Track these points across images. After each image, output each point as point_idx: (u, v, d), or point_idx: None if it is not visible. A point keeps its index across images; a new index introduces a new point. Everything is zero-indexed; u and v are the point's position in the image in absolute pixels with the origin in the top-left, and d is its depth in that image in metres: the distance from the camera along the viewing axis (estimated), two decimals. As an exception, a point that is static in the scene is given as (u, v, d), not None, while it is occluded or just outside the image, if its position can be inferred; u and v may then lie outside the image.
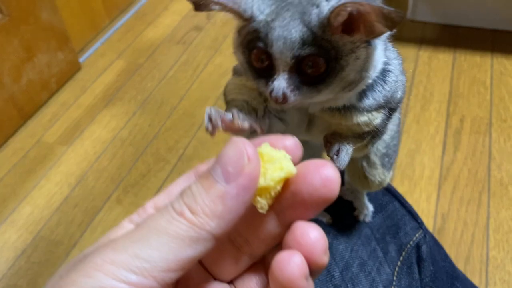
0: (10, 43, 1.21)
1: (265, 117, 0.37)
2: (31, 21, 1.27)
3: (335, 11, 0.28)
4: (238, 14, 0.31)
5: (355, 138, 0.38)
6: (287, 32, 0.29)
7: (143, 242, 0.22)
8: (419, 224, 0.60)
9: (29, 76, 1.29)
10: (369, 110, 0.36)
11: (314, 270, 0.24)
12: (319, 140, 0.38)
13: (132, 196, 1.10)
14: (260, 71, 0.32)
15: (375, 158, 0.44)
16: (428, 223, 0.99)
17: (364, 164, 0.46)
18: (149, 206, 0.29)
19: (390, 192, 0.63)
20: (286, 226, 0.25)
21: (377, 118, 0.37)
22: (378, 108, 0.37)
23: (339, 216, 0.59)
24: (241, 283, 0.27)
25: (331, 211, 0.58)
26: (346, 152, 0.37)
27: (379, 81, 0.36)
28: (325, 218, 0.58)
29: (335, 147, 0.35)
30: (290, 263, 0.23)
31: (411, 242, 0.58)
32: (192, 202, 0.23)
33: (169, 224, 0.23)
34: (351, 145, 0.38)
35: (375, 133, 0.39)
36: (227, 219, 0.23)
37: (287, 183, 0.24)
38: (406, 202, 0.63)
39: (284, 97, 0.30)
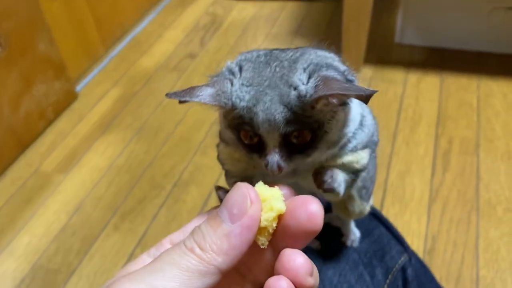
0: (8, 76, 1.24)
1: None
2: (28, 54, 1.30)
3: (317, 100, 0.31)
4: (219, 107, 0.33)
5: (346, 173, 0.40)
6: (270, 115, 0.31)
7: (158, 274, 0.26)
8: (405, 248, 0.63)
9: (27, 107, 1.32)
10: (353, 151, 0.39)
11: None
12: (307, 180, 0.40)
13: (129, 223, 1.12)
14: (252, 147, 0.34)
15: (353, 192, 0.47)
16: (419, 244, 1.01)
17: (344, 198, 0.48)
18: (166, 242, 0.32)
19: (376, 217, 0.65)
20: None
21: (363, 158, 0.40)
22: (362, 148, 0.40)
23: (327, 242, 0.61)
24: None
25: (320, 238, 0.61)
26: (341, 176, 0.39)
27: (359, 129, 0.39)
28: (314, 245, 0.60)
29: (329, 173, 0.37)
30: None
31: (397, 266, 0.61)
32: (201, 239, 0.26)
33: (181, 258, 0.26)
34: (343, 174, 0.39)
35: (362, 171, 0.42)
36: (232, 255, 0.26)
37: (279, 218, 0.28)
38: (392, 226, 0.65)
39: (279, 168, 0.32)
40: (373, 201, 1.01)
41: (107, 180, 1.23)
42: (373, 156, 0.47)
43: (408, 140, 1.24)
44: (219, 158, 0.42)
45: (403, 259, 0.62)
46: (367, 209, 0.51)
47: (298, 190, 0.35)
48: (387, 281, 0.60)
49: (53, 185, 1.23)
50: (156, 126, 1.38)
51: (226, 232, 0.26)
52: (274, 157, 0.32)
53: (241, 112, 0.32)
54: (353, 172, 0.40)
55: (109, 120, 1.42)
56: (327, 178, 0.37)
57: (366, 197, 0.49)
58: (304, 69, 0.32)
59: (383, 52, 1.55)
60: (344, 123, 0.35)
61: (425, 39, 1.55)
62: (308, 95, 0.31)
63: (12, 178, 1.26)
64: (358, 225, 0.61)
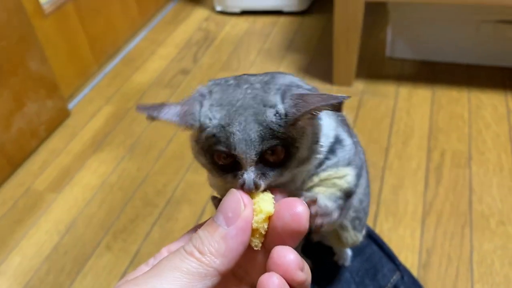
0: (0, 95, 1.24)
1: None
2: (20, 72, 1.30)
3: (300, 117, 0.32)
4: (186, 128, 0.34)
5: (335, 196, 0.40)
6: (247, 135, 0.31)
7: (160, 277, 0.27)
8: (397, 265, 0.63)
9: (18, 125, 1.31)
10: (336, 166, 0.39)
11: (293, 285, 0.28)
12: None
13: (121, 242, 1.11)
14: (225, 168, 0.34)
15: (346, 222, 0.47)
16: (414, 259, 1.01)
17: (337, 227, 0.49)
18: (164, 251, 0.34)
19: (368, 235, 0.65)
20: None
21: (348, 174, 0.40)
22: (345, 165, 0.40)
23: (319, 261, 0.61)
24: None
25: (312, 257, 0.60)
26: (328, 203, 0.39)
27: (338, 145, 0.39)
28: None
29: (312, 209, 0.37)
30: (269, 283, 0.27)
31: (389, 284, 0.60)
32: (199, 244, 0.28)
33: (182, 262, 0.28)
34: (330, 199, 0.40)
35: (350, 192, 0.42)
36: (229, 257, 0.28)
37: (269, 220, 0.30)
38: (384, 244, 0.65)
39: (256, 186, 0.32)
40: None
41: (99, 198, 1.23)
42: (363, 187, 0.48)
43: (400, 154, 1.24)
44: (209, 183, 0.42)
45: (395, 277, 0.61)
46: (360, 239, 0.51)
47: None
48: (380, 299, 0.60)
49: (45, 204, 1.22)
50: (148, 143, 1.38)
51: (222, 235, 0.28)
52: (251, 176, 0.32)
53: (214, 131, 0.32)
54: (344, 193, 0.40)
55: (102, 138, 1.41)
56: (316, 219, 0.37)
57: (359, 227, 0.49)
58: (277, 89, 0.33)
59: (374, 66, 1.56)
60: (313, 138, 0.35)
61: (416, 53, 1.56)
62: (290, 114, 0.31)
63: (3, 198, 1.25)
64: (349, 243, 0.61)
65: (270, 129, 0.32)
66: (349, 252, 0.61)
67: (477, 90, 1.42)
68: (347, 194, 0.41)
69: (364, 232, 0.52)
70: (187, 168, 1.28)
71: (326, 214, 0.37)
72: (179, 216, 1.15)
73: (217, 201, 0.40)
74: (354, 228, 0.49)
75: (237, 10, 1.94)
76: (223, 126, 0.32)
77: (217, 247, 0.28)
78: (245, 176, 0.32)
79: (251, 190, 0.32)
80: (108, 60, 1.75)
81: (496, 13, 1.40)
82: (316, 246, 0.62)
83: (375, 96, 1.44)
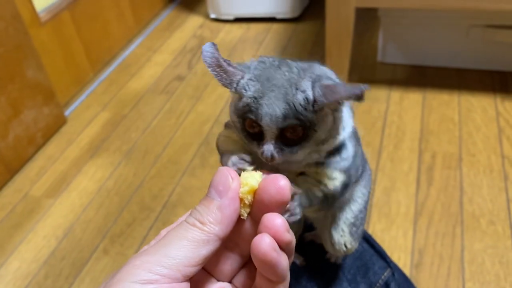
0: (-3, 102, 1.26)
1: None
2: (17, 79, 1.32)
3: (323, 105, 0.36)
4: (225, 85, 0.38)
5: (312, 194, 0.44)
6: (272, 110, 0.36)
7: (169, 246, 0.31)
8: (387, 263, 0.64)
9: (16, 132, 1.33)
10: (334, 167, 0.43)
11: (282, 245, 0.32)
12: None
13: (119, 246, 1.13)
14: (253, 135, 0.39)
15: (344, 226, 0.50)
16: (406, 259, 1.03)
17: (333, 231, 0.51)
18: (164, 232, 0.38)
19: (359, 233, 0.67)
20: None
21: (337, 179, 0.43)
22: (341, 170, 0.44)
23: (311, 259, 0.63)
24: (237, 280, 0.36)
25: (304, 254, 0.62)
26: (299, 202, 0.42)
27: (343, 148, 0.43)
28: (299, 260, 0.62)
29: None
30: (262, 241, 0.31)
31: (380, 281, 0.62)
32: (199, 216, 0.32)
33: (187, 232, 0.31)
34: (305, 199, 0.43)
35: (332, 197, 0.45)
36: (226, 223, 0.32)
37: (255, 194, 0.33)
38: (375, 242, 0.67)
39: (272, 157, 0.38)
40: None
41: (96, 203, 1.24)
42: (365, 199, 0.51)
43: (392, 157, 1.26)
44: (217, 142, 0.46)
45: (386, 274, 0.63)
46: (354, 248, 0.53)
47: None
48: (371, 296, 0.62)
49: (43, 209, 1.24)
50: (144, 149, 1.40)
51: (218, 206, 0.32)
52: (270, 147, 0.37)
53: (248, 101, 0.37)
54: (324, 195, 0.44)
55: (98, 144, 1.43)
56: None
57: (356, 235, 0.51)
58: (309, 77, 0.38)
59: (366, 71, 1.59)
60: (332, 126, 0.40)
61: (407, 57, 1.59)
62: (319, 100, 0.36)
63: (1, 204, 1.26)
64: (341, 242, 0.62)
65: (296, 110, 0.36)
66: (341, 250, 0.63)
67: (467, 93, 1.45)
68: (327, 197, 0.44)
69: (357, 245, 0.54)
70: (183, 173, 1.30)
71: (293, 213, 0.41)
72: (175, 220, 1.16)
73: (226, 158, 0.44)
74: (351, 234, 0.51)
75: (231, 17, 1.97)
76: (255, 98, 0.37)
77: (214, 216, 0.32)
78: (265, 147, 0.38)
79: (268, 160, 0.38)
80: (104, 67, 1.77)
81: (485, 18, 1.43)
82: (308, 245, 0.64)
83: (367, 100, 1.45)
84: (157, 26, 2.02)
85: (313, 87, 0.36)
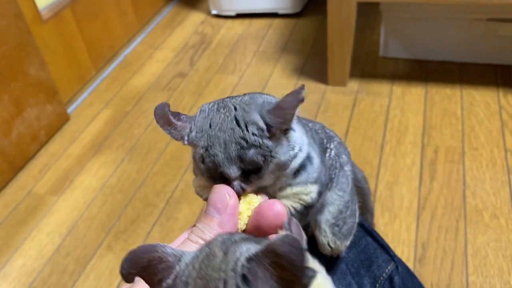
0: (0, 100, 1.26)
1: None
2: (19, 77, 1.32)
3: (278, 126, 0.38)
4: (178, 140, 0.40)
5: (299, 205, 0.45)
6: (227, 154, 0.37)
7: None
8: (391, 256, 0.64)
9: (19, 130, 1.33)
10: (303, 183, 0.44)
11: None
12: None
13: (123, 243, 1.13)
14: (218, 179, 0.39)
15: (325, 227, 0.51)
16: (409, 253, 1.03)
17: (317, 232, 0.53)
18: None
19: (362, 227, 0.67)
20: None
21: (312, 191, 0.45)
22: (312, 182, 0.45)
23: (315, 254, 0.63)
24: None
25: (308, 249, 0.62)
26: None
27: (308, 162, 0.44)
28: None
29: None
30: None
31: (384, 274, 0.62)
32: (201, 233, 0.34)
33: (192, 249, 0.32)
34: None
35: (310, 207, 0.46)
36: None
37: (250, 220, 0.36)
38: (378, 236, 0.67)
39: (244, 190, 0.39)
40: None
41: (100, 200, 1.24)
42: (344, 200, 0.53)
43: (395, 151, 1.26)
44: (196, 191, 0.47)
45: (390, 267, 0.63)
46: (341, 248, 0.54)
47: None
48: (375, 289, 0.62)
49: (46, 207, 1.24)
50: (147, 145, 1.40)
51: (218, 223, 0.34)
52: (237, 184, 0.38)
53: (201, 152, 0.38)
54: (304, 206, 0.45)
55: (101, 141, 1.43)
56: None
57: (339, 235, 0.52)
58: (255, 109, 0.39)
59: (368, 66, 1.58)
60: (288, 147, 0.41)
61: (409, 52, 1.58)
62: (272, 125, 0.37)
63: (5, 201, 1.26)
64: (344, 236, 0.62)
65: (250, 144, 0.37)
66: (344, 244, 0.63)
67: (469, 87, 1.44)
68: (308, 207, 0.46)
69: (347, 242, 0.55)
70: (186, 169, 1.30)
71: None
72: (179, 216, 1.17)
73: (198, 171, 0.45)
74: (333, 234, 0.52)
75: (232, 13, 1.97)
76: (206, 149, 0.38)
77: (216, 233, 0.33)
78: (234, 184, 0.38)
79: (240, 194, 0.38)
80: (106, 64, 1.77)
81: (487, 12, 1.43)
82: (311, 239, 0.64)
83: (370, 95, 1.46)
84: (158, 23, 2.02)
85: (262, 116, 0.38)
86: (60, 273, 1.08)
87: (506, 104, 1.36)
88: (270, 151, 0.38)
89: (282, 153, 0.40)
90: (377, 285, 0.62)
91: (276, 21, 1.92)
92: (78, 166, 1.36)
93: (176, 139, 0.39)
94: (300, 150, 0.42)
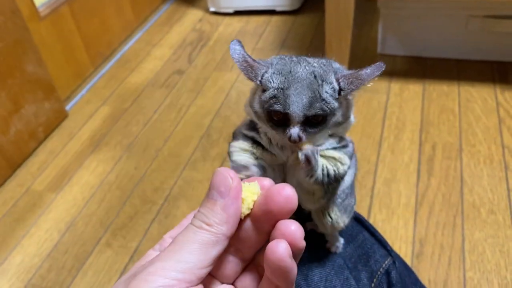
0: (-2, 97, 1.26)
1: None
2: (17, 74, 1.32)
3: (350, 92, 0.42)
4: (250, 78, 0.42)
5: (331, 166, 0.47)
6: (300, 99, 0.41)
7: (181, 251, 0.32)
8: (388, 251, 0.65)
9: (17, 127, 1.33)
10: (344, 153, 0.47)
11: (295, 252, 0.32)
12: (294, 178, 0.49)
13: (121, 239, 1.13)
14: (278, 122, 0.43)
15: (336, 204, 0.54)
16: (407, 249, 1.03)
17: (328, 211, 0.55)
18: (167, 237, 0.39)
19: (360, 222, 0.67)
20: (266, 233, 0.34)
21: (347, 164, 0.47)
22: (349, 156, 0.48)
23: (313, 249, 0.63)
24: (239, 282, 0.36)
25: (306, 244, 0.62)
26: (320, 160, 0.46)
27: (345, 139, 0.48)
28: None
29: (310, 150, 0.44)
30: (279, 246, 0.31)
31: (381, 269, 0.63)
32: (205, 218, 0.33)
33: (195, 235, 0.32)
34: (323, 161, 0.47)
35: (337, 181, 0.48)
36: (231, 222, 0.33)
37: (260, 204, 0.34)
38: (376, 231, 0.67)
39: (300, 138, 0.42)
40: (361, 208, 1.03)
41: (98, 197, 1.25)
42: (351, 180, 0.55)
43: (393, 148, 1.27)
44: (229, 151, 0.50)
45: (387, 262, 0.64)
46: (340, 222, 0.55)
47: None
48: (372, 284, 0.62)
49: (45, 204, 1.24)
50: (145, 142, 1.40)
51: (222, 206, 0.33)
52: (296, 130, 0.41)
53: (274, 92, 0.41)
54: (334, 176, 0.47)
55: (99, 138, 1.43)
56: (309, 152, 0.44)
57: (340, 207, 0.54)
58: (331, 71, 0.42)
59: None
60: (347, 110, 0.45)
61: (406, 49, 1.59)
62: (345, 89, 0.41)
63: (3, 199, 1.26)
64: (342, 231, 0.63)
65: (321, 98, 0.41)
66: (341, 240, 0.63)
67: (467, 84, 1.45)
68: (336, 178, 0.48)
69: (345, 218, 0.56)
70: (184, 166, 1.30)
71: (313, 157, 0.44)
72: (177, 212, 1.17)
73: (241, 136, 0.48)
74: (336, 204, 0.53)
75: (230, 10, 1.97)
76: (282, 89, 0.41)
77: (220, 217, 0.32)
78: (292, 131, 0.41)
79: (296, 142, 0.42)
80: (104, 61, 1.77)
81: (484, 8, 1.43)
82: (309, 234, 0.64)
83: (367, 92, 1.46)
84: (156, 20, 2.02)
85: (337, 79, 0.42)
86: (59, 269, 1.08)
87: (503, 101, 1.37)
88: (334, 110, 0.42)
89: (341, 115, 0.43)
90: (374, 279, 0.62)
91: (274, 18, 1.92)
92: (77, 163, 1.36)
93: (249, 77, 0.42)
94: (352, 118, 0.46)
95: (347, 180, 0.54)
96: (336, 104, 0.42)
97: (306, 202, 0.51)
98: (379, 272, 0.63)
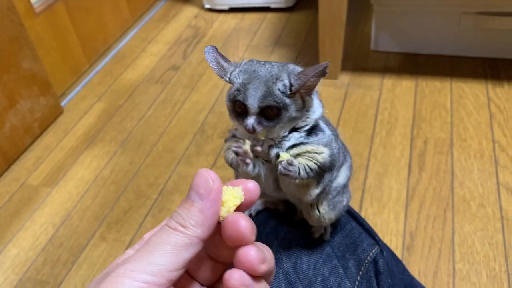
0: (-7, 92, 1.27)
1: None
2: (12, 70, 1.33)
3: (299, 87, 0.46)
4: (221, 76, 0.48)
5: (307, 169, 0.49)
6: (255, 92, 0.46)
7: (152, 252, 0.31)
8: (376, 240, 0.66)
9: (12, 122, 1.34)
10: (317, 143, 0.50)
11: (256, 277, 0.33)
12: (287, 193, 0.54)
13: (116, 233, 1.14)
14: (239, 114, 0.48)
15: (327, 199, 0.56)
16: (398, 242, 1.05)
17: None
18: (147, 236, 0.38)
19: (348, 212, 0.68)
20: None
21: (324, 152, 0.50)
22: (324, 145, 0.50)
23: (302, 237, 0.64)
24: (220, 285, 0.36)
25: (296, 233, 0.64)
26: (297, 163, 0.48)
27: (319, 131, 0.51)
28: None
29: (284, 162, 0.47)
30: (231, 278, 0.32)
31: (369, 258, 0.64)
32: (180, 219, 0.32)
33: (169, 237, 0.32)
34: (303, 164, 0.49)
35: (324, 168, 0.50)
36: (207, 225, 0.32)
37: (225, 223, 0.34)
38: (364, 221, 0.69)
39: (254, 129, 0.46)
40: (352, 202, 1.04)
41: (93, 191, 1.26)
42: (345, 180, 0.57)
43: (385, 143, 1.28)
44: (224, 155, 0.54)
45: (374, 251, 0.65)
46: (327, 218, 0.57)
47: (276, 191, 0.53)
48: (360, 272, 0.63)
49: (40, 198, 1.25)
50: (140, 138, 1.41)
51: (199, 208, 0.32)
52: (251, 121, 0.46)
53: (238, 86, 0.47)
54: (318, 166, 0.49)
55: (94, 134, 1.44)
56: (284, 164, 0.48)
57: (330, 202, 0.56)
58: (286, 70, 0.48)
59: (360, 59, 1.60)
60: (301, 107, 0.49)
61: (399, 45, 1.60)
62: (294, 84, 0.46)
63: (-1, 193, 1.27)
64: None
65: (274, 94, 0.46)
66: (328, 228, 0.65)
67: (459, 80, 1.46)
68: (321, 168, 0.50)
69: (332, 215, 0.58)
70: (179, 161, 1.31)
71: (289, 168, 0.47)
72: (171, 207, 1.19)
73: (231, 137, 0.52)
74: (326, 199, 0.55)
75: (225, 7, 1.98)
76: (244, 84, 0.47)
77: (196, 219, 0.32)
78: (248, 121, 0.46)
79: (250, 131, 0.46)
80: (99, 58, 1.77)
81: (476, 5, 1.45)
82: (299, 223, 0.65)
83: (360, 88, 1.48)
84: (152, 17, 2.03)
85: (288, 76, 0.47)
86: (54, 262, 1.09)
87: (495, 97, 1.38)
88: (286, 105, 0.46)
89: (294, 111, 0.48)
90: (362, 268, 0.63)
91: (269, 15, 1.93)
92: (72, 158, 1.37)
93: (220, 75, 0.48)
94: (312, 113, 0.50)
95: (340, 180, 0.57)
96: (287, 100, 0.47)
97: (303, 195, 0.53)
98: (366, 261, 0.64)
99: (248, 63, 0.49)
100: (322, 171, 0.50)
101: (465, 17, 1.48)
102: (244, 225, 0.33)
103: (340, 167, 0.57)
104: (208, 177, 0.33)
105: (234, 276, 0.32)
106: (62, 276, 1.06)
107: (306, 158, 0.49)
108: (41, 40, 1.48)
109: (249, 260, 0.33)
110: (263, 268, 0.33)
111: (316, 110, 0.50)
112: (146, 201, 1.21)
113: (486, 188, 1.13)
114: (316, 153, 0.49)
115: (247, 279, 0.32)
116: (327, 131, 0.52)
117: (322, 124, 0.52)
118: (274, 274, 0.34)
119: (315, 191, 0.53)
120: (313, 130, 0.50)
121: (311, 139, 0.50)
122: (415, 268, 1.00)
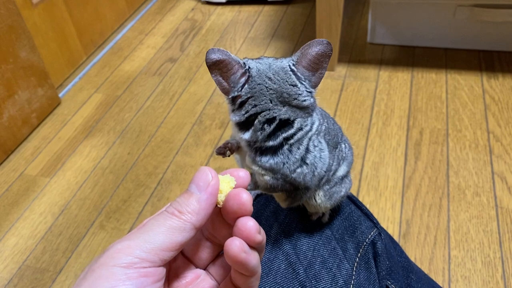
0: (-9, 82, 1.27)
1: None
2: (10, 61, 1.33)
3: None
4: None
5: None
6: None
7: (149, 232, 0.34)
8: (374, 223, 0.67)
9: (10, 113, 1.34)
10: (262, 168, 0.49)
11: (253, 246, 0.36)
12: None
13: (115, 221, 1.15)
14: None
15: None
16: (394, 229, 1.06)
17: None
18: (146, 221, 0.42)
19: (347, 197, 0.70)
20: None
21: (266, 175, 0.49)
22: (267, 170, 0.49)
23: (302, 220, 0.65)
24: (213, 269, 0.40)
25: (295, 216, 0.65)
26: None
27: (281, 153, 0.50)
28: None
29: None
30: (232, 244, 0.35)
31: (367, 240, 0.65)
32: (178, 206, 0.36)
33: (165, 220, 0.35)
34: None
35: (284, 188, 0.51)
36: (202, 214, 0.35)
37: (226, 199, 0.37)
38: (362, 204, 0.70)
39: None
40: (350, 191, 1.05)
41: (92, 181, 1.26)
42: (347, 177, 0.59)
43: (381, 133, 1.29)
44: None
45: (373, 233, 0.66)
46: (323, 206, 0.58)
47: None
48: (358, 254, 0.65)
49: (39, 188, 1.26)
50: (138, 128, 1.42)
51: (197, 199, 0.36)
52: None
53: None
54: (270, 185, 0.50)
55: (92, 124, 1.45)
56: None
57: (327, 192, 0.57)
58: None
59: (356, 52, 1.61)
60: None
61: (396, 38, 1.61)
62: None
63: (-3, 183, 1.28)
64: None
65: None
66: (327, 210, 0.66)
67: (454, 72, 1.48)
68: (273, 188, 0.51)
69: (329, 204, 0.59)
70: (177, 151, 1.32)
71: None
72: (170, 195, 1.19)
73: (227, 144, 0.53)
74: (324, 189, 0.57)
75: (222, 0, 1.98)
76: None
77: (192, 207, 0.35)
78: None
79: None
80: (96, 49, 1.77)
81: (471, -2, 1.46)
82: (298, 206, 0.67)
83: (357, 80, 1.49)
84: (149, 9, 2.03)
85: None
86: (53, 251, 1.10)
87: (489, 88, 1.40)
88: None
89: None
90: (361, 250, 0.65)
91: (266, 8, 1.94)
92: (70, 148, 1.37)
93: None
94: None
95: (338, 174, 0.58)
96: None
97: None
98: (365, 243, 0.65)
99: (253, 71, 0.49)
100: (290, 189, 0.51)
101: (460, 9, 1.49)
102: (245, 196, 0.37)
103: (339, 165, 0.57)
104: (208, 172, 0.37)
105: (236, 242, 0.35)
106: (62, 264, 1.07)
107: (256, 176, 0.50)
108: (38, 31, 1.48)
109: (247, 228, 0.36)
110: (259, 237, 0.36)
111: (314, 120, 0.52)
112: (145, 190, 1.22)
113: (481, 177, 1.15)
114: (260, 174, 0.49)
115: (246, 246, 0.35)
116: (296, 155, 0.48)
117: (295, 148, 0.48)
118: (264, 252, 0.37)
119: (284, 203, 0.55)
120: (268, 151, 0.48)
121: (259, 159, 0.48)
122: (411, 255, 1.01)
